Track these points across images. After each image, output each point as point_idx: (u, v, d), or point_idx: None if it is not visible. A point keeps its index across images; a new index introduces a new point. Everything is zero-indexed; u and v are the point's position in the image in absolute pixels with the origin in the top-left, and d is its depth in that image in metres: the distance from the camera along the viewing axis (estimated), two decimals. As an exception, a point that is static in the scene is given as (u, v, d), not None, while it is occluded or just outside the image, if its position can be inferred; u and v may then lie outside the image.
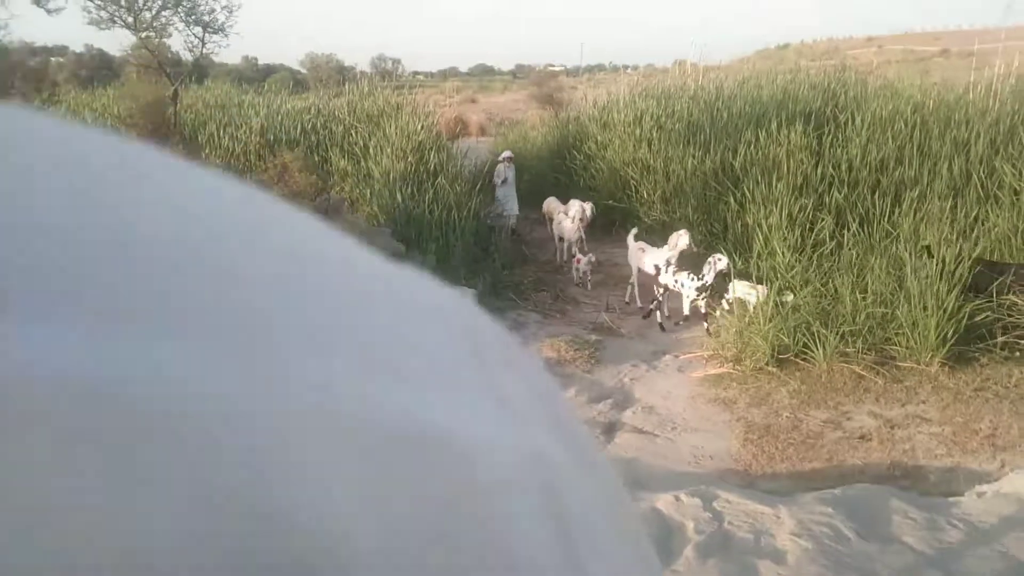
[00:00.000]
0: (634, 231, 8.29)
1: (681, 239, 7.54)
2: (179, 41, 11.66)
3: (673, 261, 7.38)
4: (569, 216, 9.23)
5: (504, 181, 10.92)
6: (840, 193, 8.82)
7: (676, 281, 7.27)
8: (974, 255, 6.57)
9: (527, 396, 0.24)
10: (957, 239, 6.71)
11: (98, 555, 0.12)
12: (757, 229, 8.38)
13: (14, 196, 0.15)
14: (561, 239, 9.76)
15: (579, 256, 8.83)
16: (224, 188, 0.20)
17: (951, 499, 3.52)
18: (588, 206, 9.09)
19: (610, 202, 10.95)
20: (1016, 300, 5.74)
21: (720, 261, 6.91)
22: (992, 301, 5.88)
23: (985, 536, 2.88)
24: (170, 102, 9.33)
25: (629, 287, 8.26)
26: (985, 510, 3.13)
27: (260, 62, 56.35)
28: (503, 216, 10.91)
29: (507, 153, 11.35)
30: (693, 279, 7.08)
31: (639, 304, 8.03)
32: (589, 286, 8.78)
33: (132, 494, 0.12)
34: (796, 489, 3.96)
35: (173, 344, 0.14)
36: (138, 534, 0.12)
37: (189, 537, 0.13)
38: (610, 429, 5.11)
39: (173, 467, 0.13)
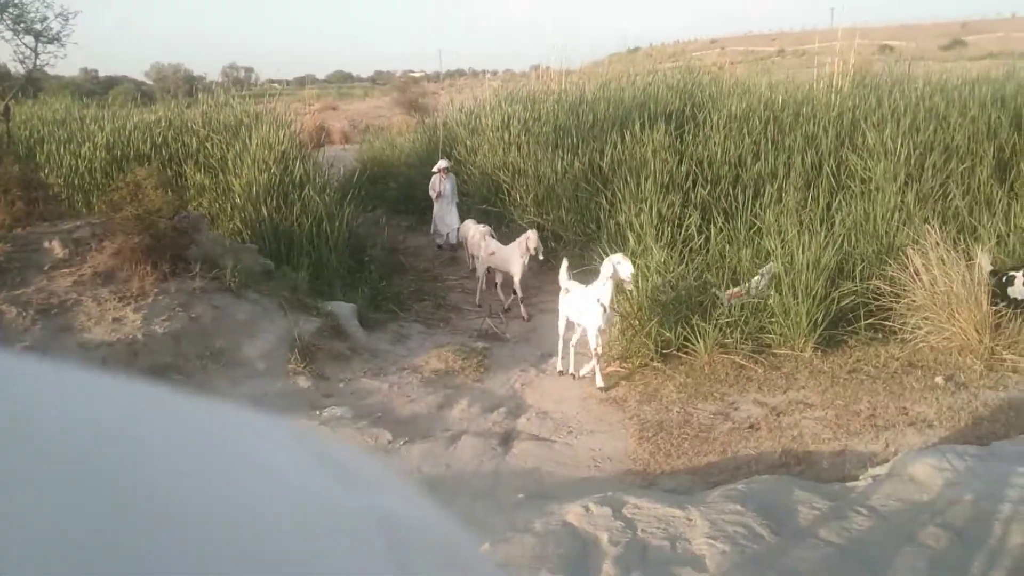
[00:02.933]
0: (565, 263, 6.70)
1: (620, 267, 5.87)
2: (8, 52, 10.57)
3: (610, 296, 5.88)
4: (519, 250, 7.90)
5: (439, 195, 10.47)
6: (704, 189, 9.12)
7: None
8: (838, 243, 6.94)
9: None
10: (821, 227, 7.04)
11: None
12: (629, 227, 8.53)
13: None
14: (476, 264, 8.86)
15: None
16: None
17: (849, 484, 3.63)
18: (532, 235, 7.81)
19: (484, 207, 10.94)
20: (880, 284, 6.08)
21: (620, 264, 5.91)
22: (856, 285, 6.20)
23: (889, 522, 2.97)
24: (1, 119, 8.45)
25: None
26: (886, 494, 3.24)
27: (101, 74, 52.80)
28: (440, 235, 10.62)
29: (443, 163, 10.72)
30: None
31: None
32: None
33: None
34: (697, 485, 3.99)
35: None
36: None
37: None
38: (507, 439, 5.00)
39: None
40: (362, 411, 5.40)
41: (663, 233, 8.09)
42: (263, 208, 8.89)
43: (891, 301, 6.08)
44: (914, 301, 5.69)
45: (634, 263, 7.25)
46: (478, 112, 13.45)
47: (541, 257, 7.87)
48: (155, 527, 0.18)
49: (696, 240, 7.98)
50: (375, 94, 45.29)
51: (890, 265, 6.12)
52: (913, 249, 5.98)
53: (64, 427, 0.20)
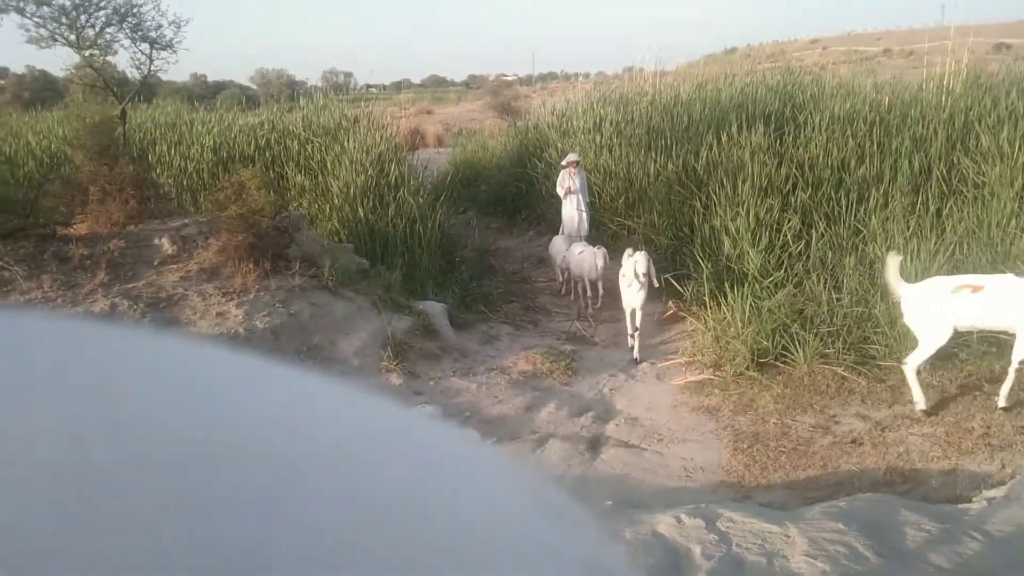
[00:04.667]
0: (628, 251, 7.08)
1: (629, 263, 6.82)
2: (125, 59, 11.20)
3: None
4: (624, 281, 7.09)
5: (568, 192, 9.20)
6: (805, 193, 8.79)
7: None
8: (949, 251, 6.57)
9: None
10: (931, 233, 6.69)
11: None
12: (724, 232, 8.33)
13: None
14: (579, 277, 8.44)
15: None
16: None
17: (960, 506, 3.41)
18: (641, 258, 6.95)
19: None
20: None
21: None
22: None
23: (1006, 549, 2.76)
24: (118, 122, 8.94)
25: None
26: (1002, 519, 3.01)
27: (209, 79, 55.52)
28: (574, 237, 9.04)
29: (572, 156, 9.52)
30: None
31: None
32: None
33: None
34: (794, 500, 3.84)
35: None
36: None
37: None
38: (595, 444, 4.94)
39: None
40: (451, 410, 5.45)
41: (760, 237, 7.86)
42: (359, 209, 9.12)
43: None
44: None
45: (729, 269, 7.13)
46: (570, 114, 13.42)
47: (656, 284, 6.93)
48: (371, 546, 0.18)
49: (795, 246, 7.72)
50: (468, 98, 45.95)
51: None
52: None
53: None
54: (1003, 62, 14.21)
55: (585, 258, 8.12)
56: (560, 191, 9.33)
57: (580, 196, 9.32)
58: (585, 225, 9.31)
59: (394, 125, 13.50)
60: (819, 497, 3.82)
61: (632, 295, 6.82)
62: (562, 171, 9.38)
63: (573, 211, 9.28)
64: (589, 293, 8.37)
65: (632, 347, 6.84)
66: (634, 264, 6.75)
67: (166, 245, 6.98)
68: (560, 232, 9.40)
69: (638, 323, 6.90)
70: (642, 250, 7.10)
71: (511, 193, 12.81)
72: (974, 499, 3.48)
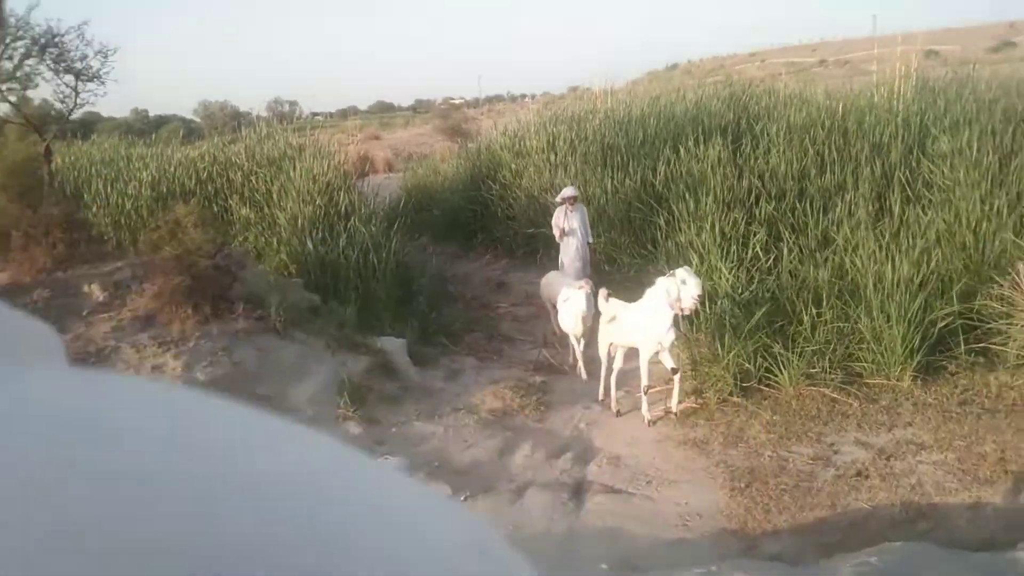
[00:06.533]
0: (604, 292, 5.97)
1: (686, 288, 5.12)
2: (49, 91, 10.57)
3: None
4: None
5: (563, 234, 7.67)
6: (769, 205, 8.56)
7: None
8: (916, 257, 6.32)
9: None
10: (899, 240, 6.45)
11: None
12: (690, 247, 8.04)
13: None
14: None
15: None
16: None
17: (1008, 555, 3.05)
18: (584, 291, 6.11)
19: (531, 230, 10.57)
20: (990, 303, 5.45)
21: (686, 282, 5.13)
22: (955, 306, 5.59)
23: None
24: (43, 160, 8.32)
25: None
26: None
27: (152, 113, 54.23)
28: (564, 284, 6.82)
29: (569, 190, 7.87)
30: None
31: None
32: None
33: None
34: (807, 548, 3.46)
35: None
36: None
37: None
38: (578, 491, 4.50)
39: None
40: (418, 459, 4.97)
41: (727, 252, 7.57)
42: (308, 241, 8.61)
43: (996, 322, 5.46)
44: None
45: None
46: (522, 134, 13.11)
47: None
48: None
49: (765, 260, 7.44)
50: (416, 123, 45.54)
51: (998, 282, 5.49)
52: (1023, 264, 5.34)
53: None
54: (948, 68, 14.41)
55: (569, 308, 6.33)
56: (556, 232, 7.74)
57: (580, 238, 7.77)
58: (588, 270, 7.73)
59: (342, 152, 13.03)
60: (832, 542, 3.45)
61: (661, 329, 5.16)
62: (557, 209, 7.85)
63: (572, 256, 7.72)
64: (574, 355, 6.73)
65: (643, 408, 5.44)
66: (678, 287, 5.08)
67: (96, 292, 6.39)
68: (560, 267, 7.81)
69: (675, 365, 5.29)
70: (683, 266, 5.49)
71: (465, 216, 12.43)
72: (1019, 546, 3.13)
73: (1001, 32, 65.41)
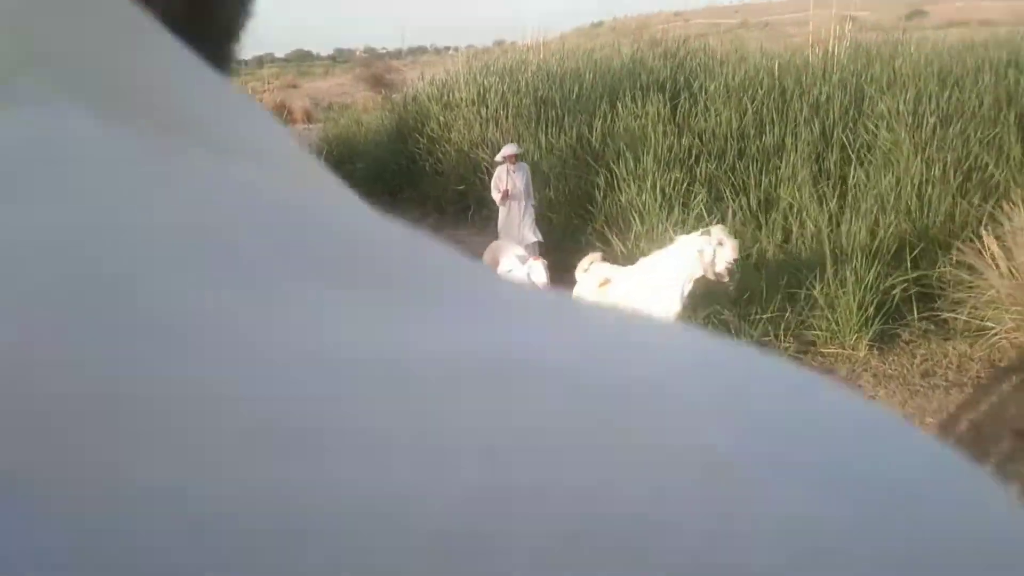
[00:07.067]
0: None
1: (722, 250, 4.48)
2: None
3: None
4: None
5: (505, 196, 6.72)
6: (711, 164, 8.28)
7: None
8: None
9: None
10: (859, 206, 6.23)
11: None
12: (631, 207, 7.68)
13: None
14: None
15: None
16: None
17: None
18: (537, 266, 5.30)
19: (461, 187, 10.07)
20: (952, 271, 5.25)
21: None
22: (909, 272, 5.39)
23: None
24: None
25: None
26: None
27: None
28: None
29: (510, 148, 7.04)
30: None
31: None
32: None
33: None
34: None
35: None
36: None
37: None
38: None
39: None
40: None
41: (670, 213, 7.25)
42: (217, 194, 7.86)
43: (950, 289, 5.28)
44: (997, 292, 4.84)
45: (639, 249, 6.40)
46: (451, 85, 12.46)
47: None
48: None
49: (708, 221, 7.15)
50: (336, 72, 43.80)
51: (959, 248, 5.30)
52: (986, 231, 5.14)
53: None
54: (875, 31, 14.44)
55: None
56: (495, 195, 6.83)
57: (524, 201, 6.90)
58: (531, 236, 6.81)
59: (256, 100, 12.13)
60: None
61: (676, 296, 4.43)
62: (498, 168, 7.00)
63: (513, 221, 6.86)
64: None
65: None
66: (712, 250, 4.36)
67: None
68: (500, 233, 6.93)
69: None
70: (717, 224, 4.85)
71: (391, 171, 11.80)
72: None
73: (914, 0, 67.53)
